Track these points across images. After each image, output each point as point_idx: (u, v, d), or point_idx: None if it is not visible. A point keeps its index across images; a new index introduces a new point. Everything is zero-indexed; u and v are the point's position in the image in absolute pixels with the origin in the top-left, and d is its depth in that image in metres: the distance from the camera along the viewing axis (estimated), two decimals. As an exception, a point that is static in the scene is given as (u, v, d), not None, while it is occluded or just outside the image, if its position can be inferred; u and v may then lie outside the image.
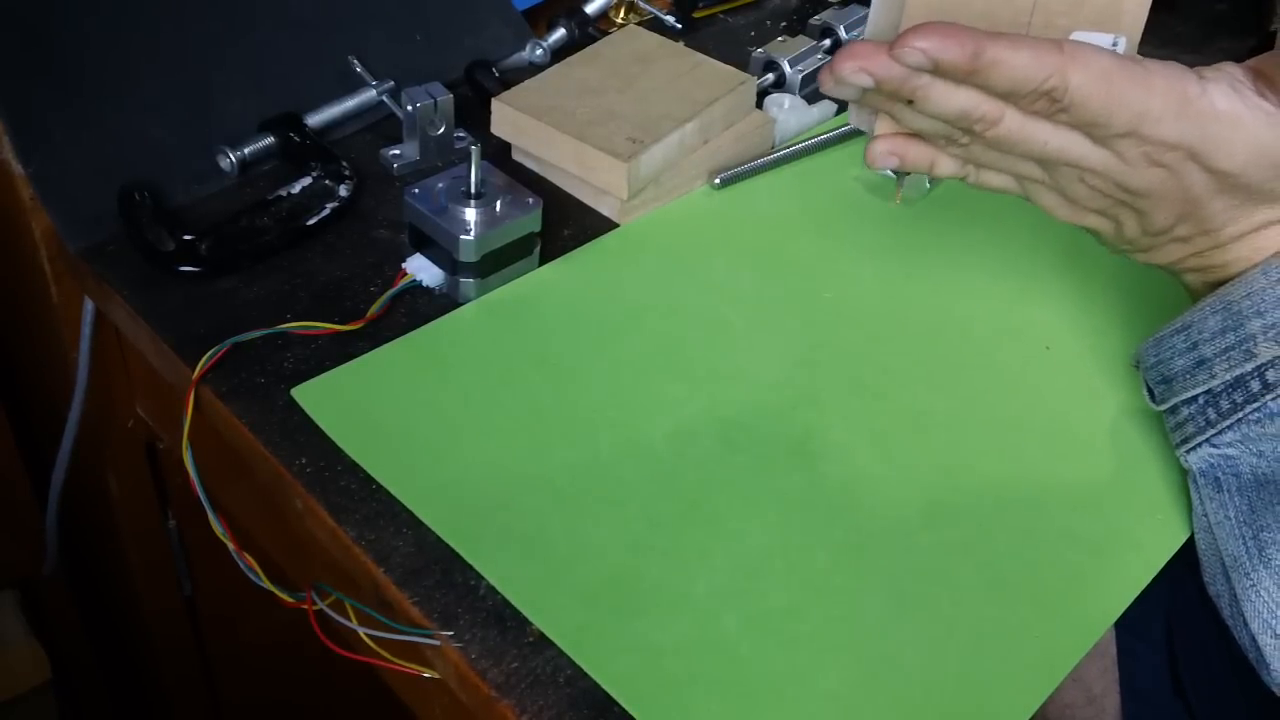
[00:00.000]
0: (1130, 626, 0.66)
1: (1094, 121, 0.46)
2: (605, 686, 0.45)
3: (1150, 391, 0.57)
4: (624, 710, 0.44)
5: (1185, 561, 0.54)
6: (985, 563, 0.52)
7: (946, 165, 0.52)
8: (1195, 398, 0.53)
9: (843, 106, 0.81)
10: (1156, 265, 0.55)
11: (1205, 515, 0.53)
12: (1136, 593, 0.51)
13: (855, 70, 0.45)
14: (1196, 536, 0.54)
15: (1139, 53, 0.49)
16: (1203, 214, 0.50)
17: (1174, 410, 0.55)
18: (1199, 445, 0.53)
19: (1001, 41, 0.44)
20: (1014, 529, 0.53)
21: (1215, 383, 0.52)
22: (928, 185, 0.73)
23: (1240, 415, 0.51)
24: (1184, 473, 0.57)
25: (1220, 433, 0.52)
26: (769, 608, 0.49)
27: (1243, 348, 0.51)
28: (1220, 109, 0.47)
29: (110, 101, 0.65)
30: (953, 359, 0.63)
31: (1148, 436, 0.59)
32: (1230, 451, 0.52)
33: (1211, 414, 0.53)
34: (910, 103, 0.47)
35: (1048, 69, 0.44)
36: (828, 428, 0.57)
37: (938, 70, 0.44)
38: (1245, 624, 0.50)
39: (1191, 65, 0.48)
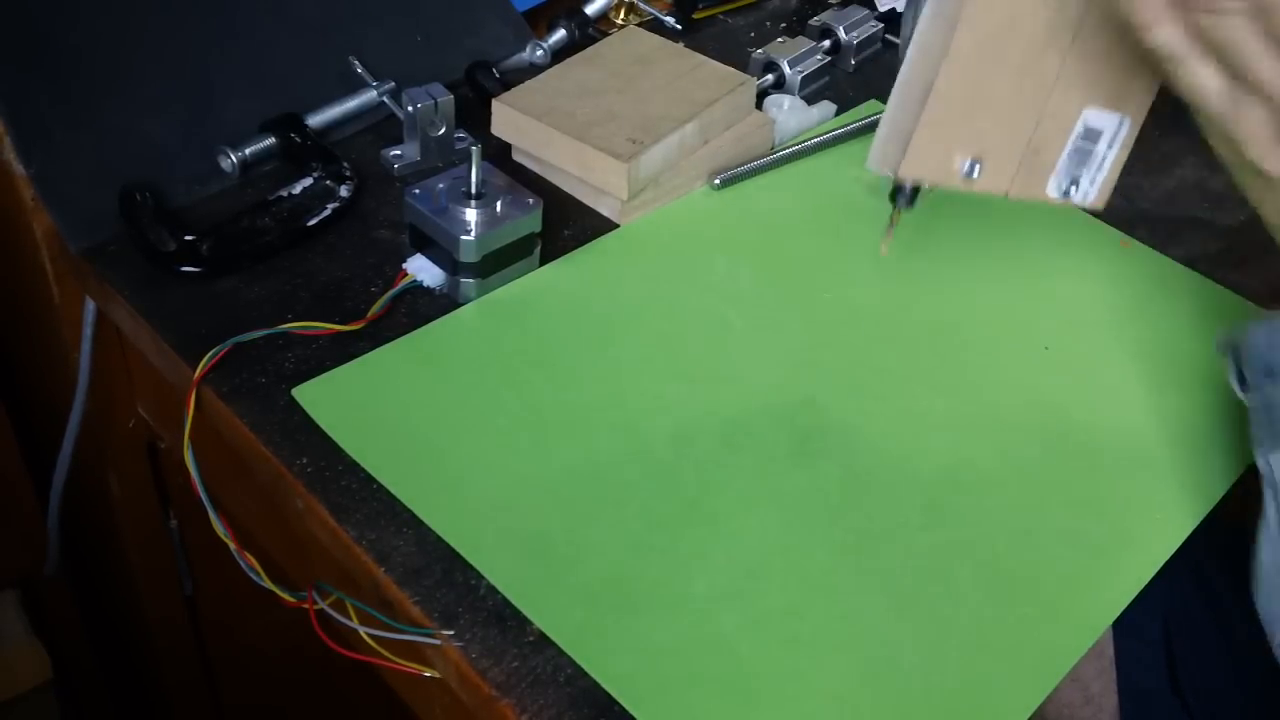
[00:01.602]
0: (1128, 627, 0.66)
1: None
2: (605, 686, 0.45)
3: (1241, 379, 0.51)
4: (624, 710, 0.44)
5: (1184, 561, 0.54)
6: (985, 563, 0.52)
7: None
8: None
9: (843, 107, 0.81)
10: None
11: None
12: (1136, 593, 0.51)
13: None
14: (1263, 549, 0.49)
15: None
16: None
17: (1270, 406, 0.49)
18: None
19: None
20: (1014, 529, 0.53)
21: None
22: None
23: None
24: (1183, 473, 0.56)
25: None
26: (769, 608, 0.49)
27: None
28: None
29: (111, 102, 0.65)
30: (953, 359, 0.63)
31: (1147, 436, 0.59)
32: None
33: None
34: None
35: None
36: (828, 428, 0.57)
37: None
38: None
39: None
